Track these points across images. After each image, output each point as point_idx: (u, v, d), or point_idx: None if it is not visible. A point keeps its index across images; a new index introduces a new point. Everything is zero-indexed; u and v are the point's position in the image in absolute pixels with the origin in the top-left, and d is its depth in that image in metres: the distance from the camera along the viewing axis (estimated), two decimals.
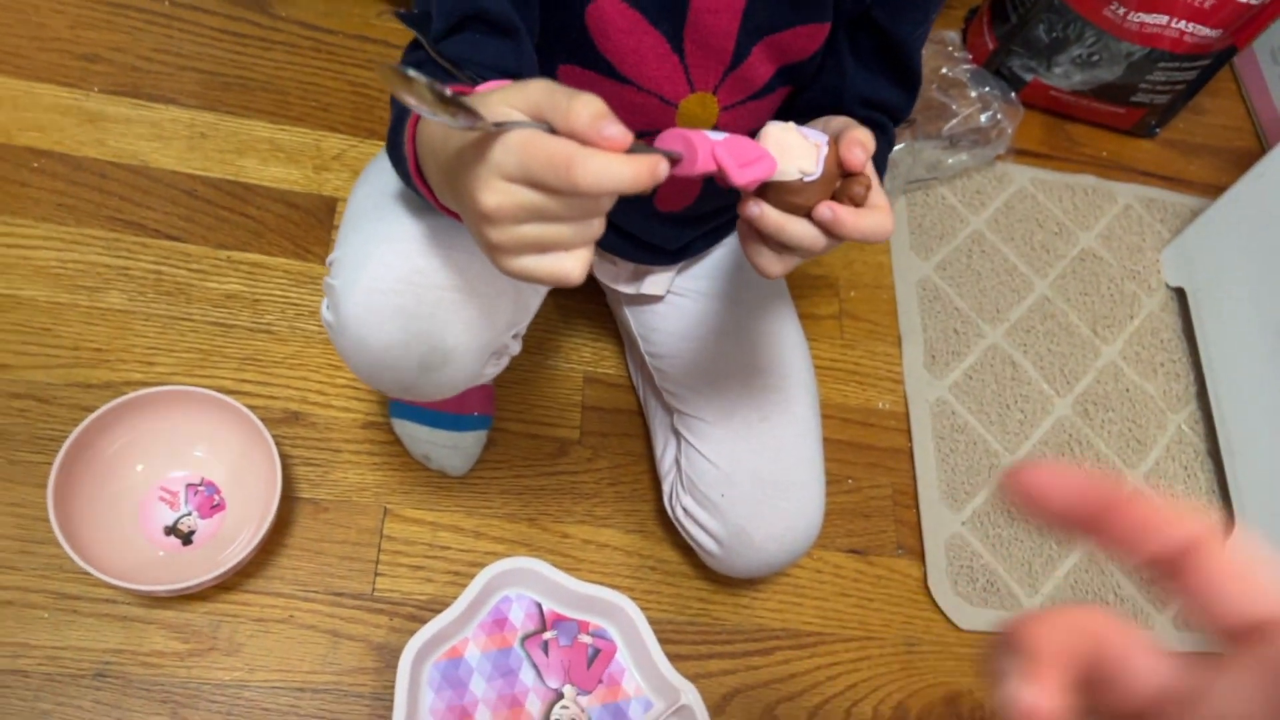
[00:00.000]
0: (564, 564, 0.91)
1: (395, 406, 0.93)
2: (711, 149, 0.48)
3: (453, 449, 0.92)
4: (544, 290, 0.76)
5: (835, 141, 0.54)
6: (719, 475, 0.83)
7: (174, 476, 0.87)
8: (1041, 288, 1.21)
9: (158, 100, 1.04)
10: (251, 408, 0.83)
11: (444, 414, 0.92)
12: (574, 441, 0.99)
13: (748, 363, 0.85)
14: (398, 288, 0.62)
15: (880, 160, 0.70)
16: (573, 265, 0.45)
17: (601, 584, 0.89)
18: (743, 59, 0.67)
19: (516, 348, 0.76)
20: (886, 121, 0.71)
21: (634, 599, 0.88)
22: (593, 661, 0.89)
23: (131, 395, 0.82)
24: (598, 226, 0.45)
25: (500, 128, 0.42)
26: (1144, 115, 1.33)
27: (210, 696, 0.82)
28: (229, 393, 0.85)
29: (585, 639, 0.89)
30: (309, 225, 1.02)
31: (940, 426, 1.09)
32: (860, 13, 0.67)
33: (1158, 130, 1.37)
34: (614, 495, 0.98)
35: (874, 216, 0.54)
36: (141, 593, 0.79)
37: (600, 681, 0.88)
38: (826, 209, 0.53)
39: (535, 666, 0.88)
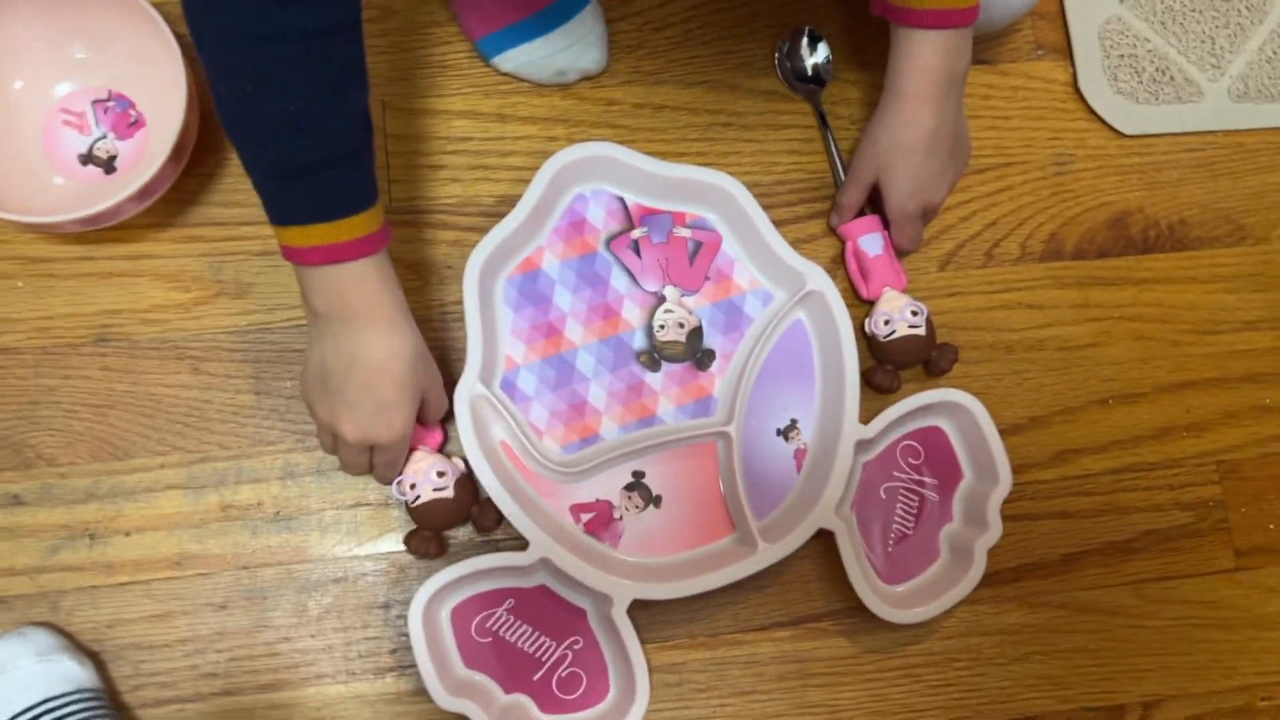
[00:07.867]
0: (630, 140, 0.73)
1: (491, 44, 0.73)
2: None
3: (583, 41, 0.74)
4: None
5: None
6: None
7: (71, 94, 0.70)
8: None
9: None
10: None
11: (545, 14, 0.73)
12: None
13: None
14: None
15: None
16: None
17: (690, 163, 0.71)
18: None
19: None
20: None
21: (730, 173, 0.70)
22: (695, 256, 0.73)
23: None
24: None
25: None
26: None
27: (230, 345, 0.70)
28: None
29: (682, 232, 0.73)
30: None
31: None
32: None
33: None
34: (663, 42, 0.77)
35: None
36: (74, 222, 0.63)
37: (707, 278, 0.72)
38: None
39: (627, 270, 0.72)
